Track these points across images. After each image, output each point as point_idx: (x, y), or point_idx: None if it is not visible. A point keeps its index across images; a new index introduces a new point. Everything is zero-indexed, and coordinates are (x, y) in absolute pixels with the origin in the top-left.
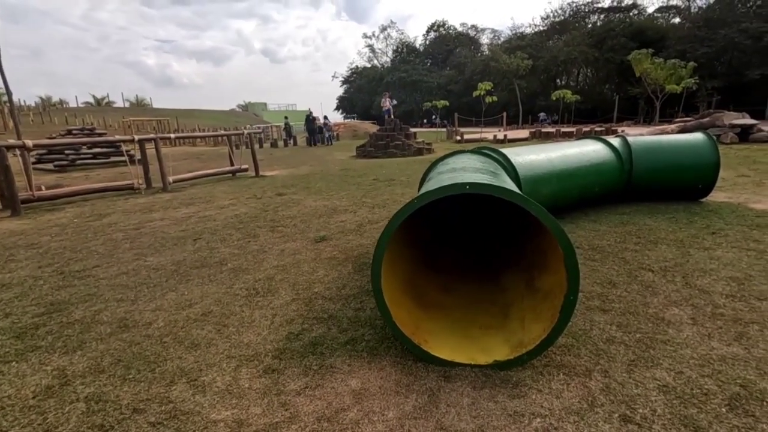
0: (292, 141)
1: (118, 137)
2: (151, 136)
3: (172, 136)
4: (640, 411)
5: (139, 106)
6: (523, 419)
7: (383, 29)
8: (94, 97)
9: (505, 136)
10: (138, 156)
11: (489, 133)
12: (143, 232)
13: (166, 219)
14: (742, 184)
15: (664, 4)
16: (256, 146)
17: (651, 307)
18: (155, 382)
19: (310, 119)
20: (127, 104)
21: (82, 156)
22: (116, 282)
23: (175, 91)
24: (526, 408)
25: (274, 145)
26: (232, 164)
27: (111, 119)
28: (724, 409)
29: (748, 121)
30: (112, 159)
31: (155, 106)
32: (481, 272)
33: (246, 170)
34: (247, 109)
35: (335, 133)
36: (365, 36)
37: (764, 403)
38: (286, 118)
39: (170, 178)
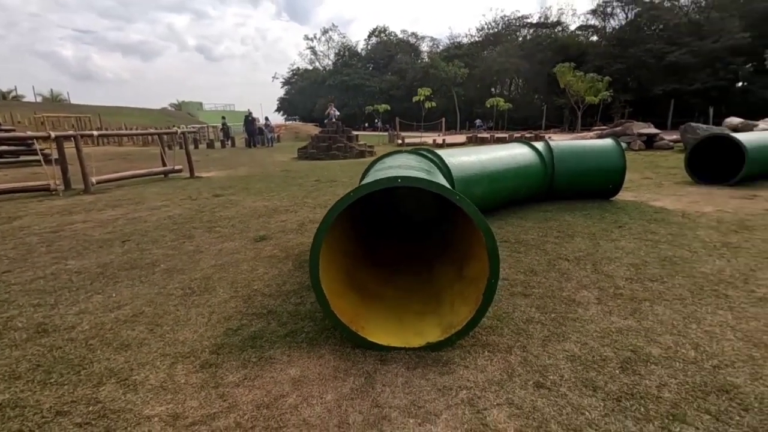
0: (230, 142)
1: (30, 134)
2: (71, 132)
3: (95, 133)
4: (551, 377)
5: (54, 101)
6: (451, 392)
7: (325, 32)
8: None
9: (444, 140)
10: (55, 155)
11: (429, 138)
12: (63, 236)
13: (89, 221)
14: (645, 185)
15: (584, 23)
16: (191, 147)
17: (565, 290)
18: (81, 385)
19: (249, 120)
20: (39, 98)
21: None
22: (32, 287)
23: (97, 87)
24: (454, 382)
25: (210, 146)
26: (164, 165)
27: (20, 115)
28: (617, 371)
29: (653, 130)
30: (23, 158)
31: (74, 101)
32: (417, 264)
33: (180, 171)
34: (180, 108)
35: (276, 135)
36: (307, 38)
37: (648, 364)
38: (223, 118)
39: (93, 179)
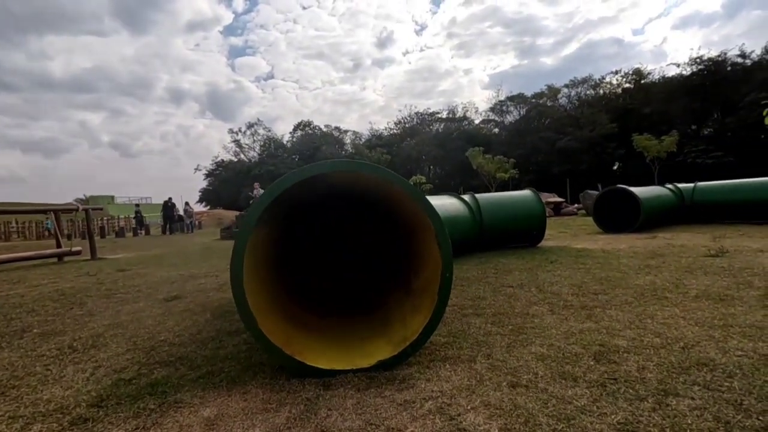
0: (143, 231)
1: None
2: None
3: None
4: (525, 377)
5: None
6: (415, 405)
7: (250, 126)
8: None
9: None
10: None
11: None
12: None
13: None
14: (563, 237)
15: (486, 119)
16: (96, 237)
17: (516, 308)
18: None
19: (168, 205)
20: None
21: None
22: None
23: None
24: (417, 395)
25: (120, 234)
26: (58, 246)
27: None
28: (592, 362)
29: (558, 199)
30: None
31: None
32: (360, 297)
33: (79, 253)
34: (87, 203)
35: (197, 221)
36: (231, 131)
37: (619, 353)
38: (137, 205)
39: None
